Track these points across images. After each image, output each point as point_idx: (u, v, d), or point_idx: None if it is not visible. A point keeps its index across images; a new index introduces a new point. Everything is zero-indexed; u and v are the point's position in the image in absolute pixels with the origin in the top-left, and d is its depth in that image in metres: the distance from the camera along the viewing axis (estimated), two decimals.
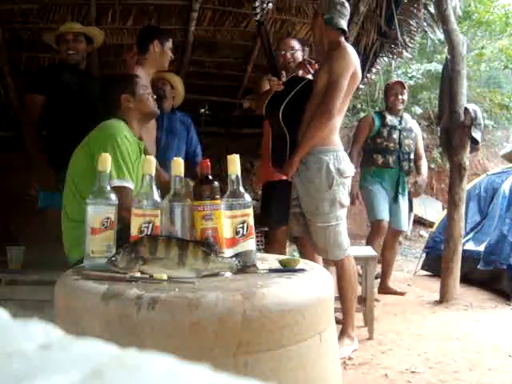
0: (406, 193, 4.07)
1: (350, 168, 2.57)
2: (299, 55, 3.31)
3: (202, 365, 0.31)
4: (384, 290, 4.04)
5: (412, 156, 4.05)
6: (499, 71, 9.46)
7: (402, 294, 4.01)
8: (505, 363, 2.48)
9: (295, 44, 3.37)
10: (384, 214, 3.94)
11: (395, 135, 3.99)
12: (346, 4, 2.65)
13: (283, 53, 3.28)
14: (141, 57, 2.83)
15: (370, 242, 3.90)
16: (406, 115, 4.20)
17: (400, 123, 4.06)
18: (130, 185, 1.96)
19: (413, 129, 4.13)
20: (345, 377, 2.07)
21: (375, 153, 3.99)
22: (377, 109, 7.76)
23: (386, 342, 2.82)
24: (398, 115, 4.09)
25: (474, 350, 2.66)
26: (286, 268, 1.50)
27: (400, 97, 4.06)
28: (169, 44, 2.89)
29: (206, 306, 1.12)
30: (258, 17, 2.81)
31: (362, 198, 4.10)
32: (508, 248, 3.80)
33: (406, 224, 4.10)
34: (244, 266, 1.41)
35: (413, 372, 2.39)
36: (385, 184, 4.01)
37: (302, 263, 1.58)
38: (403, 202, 4.02)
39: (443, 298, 3.68)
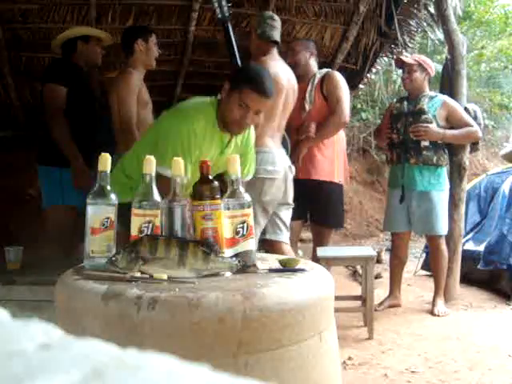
0: (427, 188, 3.35)
1: (277, 170, 2.66)
2: (301, 57, 3.27)
3: (202, 365, 0.31)
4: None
5: (426, 143, 3.29)
6: (499, 71, 9.45)
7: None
8: (505, 363, 2.49)
9: (295, 46, 3.34)
10: (391, 224, 3.58)
11: (399, 124, 3.40)
12: (276, 17, 2.87)
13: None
14: (128, 59, 2.85)
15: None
16: (426, 94, 3.41)
17: (408, 107, 3.40)
18: (168, 173, 1.92)
19: (425, 110, 3.32)
20: (345, 377, 2.07)
21: (389, 150, 3.53)
22: (376, 109, 7.73)
23: (385, 342, 2.82)
24: (414, 98, 3.40)
25: (474, 350, 2.66)
26: (286, 268, 1.50)
27: (404, 75, 3.44)
28: (152, 39, 2.88)
29: (206, 306, 1.12)
30: (220, 15, 2.90)
31: None
32: (508, 248, 3.80)
33: (427, 226, 3.40)
34: (244, 266, 1.41)
35: (413, 372, 2.39)
36: (399, 185, 3.44)
37: (302, 263, 1.58)
38: (421, 200, 3.35)
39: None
